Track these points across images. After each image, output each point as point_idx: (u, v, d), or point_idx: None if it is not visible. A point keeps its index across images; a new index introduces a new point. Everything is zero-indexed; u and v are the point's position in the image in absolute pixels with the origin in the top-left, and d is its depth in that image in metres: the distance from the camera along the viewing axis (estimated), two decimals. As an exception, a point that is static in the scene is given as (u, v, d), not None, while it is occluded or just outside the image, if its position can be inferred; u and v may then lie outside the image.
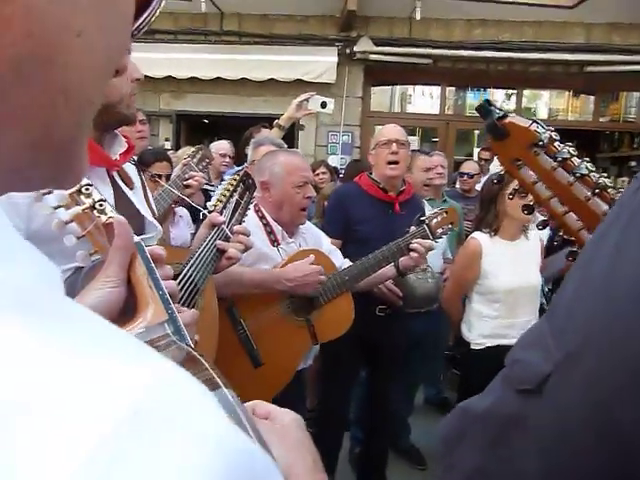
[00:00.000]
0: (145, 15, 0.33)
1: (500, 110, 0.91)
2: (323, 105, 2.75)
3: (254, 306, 1.85)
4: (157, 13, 0.35)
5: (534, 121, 0.90)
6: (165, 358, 0.21)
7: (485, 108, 0.91)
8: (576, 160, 0.87)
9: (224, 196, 1.42)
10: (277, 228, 1.95)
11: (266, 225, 1.93)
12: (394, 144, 2.37)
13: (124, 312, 0.54)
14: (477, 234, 2.33)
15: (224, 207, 1.40)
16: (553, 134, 0.88)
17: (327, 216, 2.58)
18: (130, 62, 1.07)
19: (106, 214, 0.63)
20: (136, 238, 0.57)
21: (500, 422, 0.39)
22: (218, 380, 0.37)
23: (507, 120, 0.90)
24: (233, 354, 1.80)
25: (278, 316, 1.89)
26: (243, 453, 0.19)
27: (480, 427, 0.41)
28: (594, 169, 0.87)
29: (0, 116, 0.23)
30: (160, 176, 2.37)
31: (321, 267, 1.88)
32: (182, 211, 2.68)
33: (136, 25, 0.33)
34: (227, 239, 1.32)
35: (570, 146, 0.88)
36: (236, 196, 1.43)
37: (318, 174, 3.94)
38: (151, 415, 0.17)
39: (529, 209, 0.93)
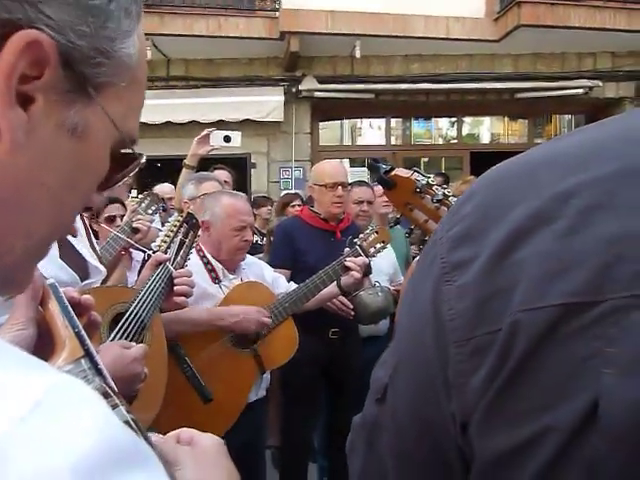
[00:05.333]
0: (116, 178, 0.38)
1: (386, 165, 1.08)
2: (227, 139, 2.69)
3: (198, 342, 1.88)
4: (130, 175, 0.40)
5: (415, 171, 1.08)
6: (62, 372, 0.28)
7: (373, 166, 1.08)
8: (452, 199, 1.04)
9: (168, 237, 1.49)
10: (217, 266, 2.00)
11: (207, 263, 1.99)
12: (339, 188, 2.48)
13: (40, 352, 0.54)
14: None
15: (168, 247, 1.46)
16: (430, 180, 1.06)
17: (274, 248, 2.66)
18: None
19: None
20: (50, 280, 0.60)
21: (368, 428, 0.46)
22: (121, 405, 0.42)
23: (392, 173, 1.08)
24: (182, 392, 1.82)
25: (223, 350, 1.93)
26: (124, 441, 0.24)
27: (359, 435, 0.48)
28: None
29: None
30: (115, 217, 2.42)
31: (263, 310, 1.94)
32: (139, 256, 2.70)
33: (107, 183, 0.37)
34: (171, 276, 1.39)
35: (444, 187, 1.06)
36: (180, 235, 1.50)
37: (294, 206, 4.05)
38: (48, 407, 0.22)
39: (424, 244, 1.08)
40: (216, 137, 2.64)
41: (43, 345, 0.57)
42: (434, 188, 1.05)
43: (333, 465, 2.73)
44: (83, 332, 0.55)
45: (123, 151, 0.37)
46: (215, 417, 1.84)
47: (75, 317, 0.57)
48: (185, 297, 1.44)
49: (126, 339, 1.25)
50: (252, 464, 2.02)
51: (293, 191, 6.38)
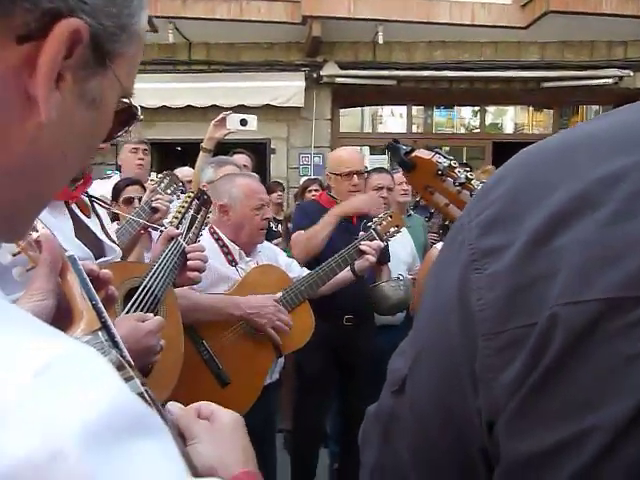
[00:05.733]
0: (116, 134, 0.41)
1: (406, 146, 1.04)
2: (243, 122, 2.68)
3: (215, 325, 1.89)
4: (126, 134, 0.43)
5: (436, 152, 1.04)
6: (76, 340, 0.28)
7: (393, 147, 1.05)
8: (475, 182, 1.00)
9: (179, 212, 1.50)
10: (234, 248, 2.01)
11: (223, 246, 1.99)
12: (355, 176, 2.47)
13: (59, 323, 0.56)
14: (439, 244, 2.43)
15: (180, 222, 1.47)
16: (452, 162, 1.02)
17: (295, 226, 2.66)
18: None
19: (37, 231, 0.67)
20: (69, 252, 0.62)
21: (384, 420, 0.45)
22: (135, 378, 0.42)
23: (413, 154, 1.04)
24: (199, 376, 1.83)
25: (240, 333, 1.93)
26: (134, 410, 0.25)
27: (374, 427, 0.47)
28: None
29: None
30: (133, 199, 2.44)
31: (282, 309, 1.93)
32: (158, 235, 2.72)
33: (107, 138, 0.40)
34: (184, 252, 1.39)
35: (467, 170, 1.02)
36: (191, 212, 1.51)
37: (311, 191, 4.04)
38: (58, 370, 0.23)
39: (445, 229, 1.05)
40: (232, 120, 2.64)
41: (61, 316, 0.58)
42: (456, 171, 1.02)
43: (344, 451, 2.74)
44: (101, 305, 0.56)
45: (122, 100, 0.39)
46: (232, 400, 1.84)
47: (93, 290, 0.58)
48: (198, 272, 1.45)
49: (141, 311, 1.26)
50: (262, 447, 2.03)
51: (314, 177, 6.40)
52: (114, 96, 0.36)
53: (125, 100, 0.39)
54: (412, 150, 1.05)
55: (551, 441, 0.33)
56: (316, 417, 2.60)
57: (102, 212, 1.36)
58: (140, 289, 1.30)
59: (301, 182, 5.46)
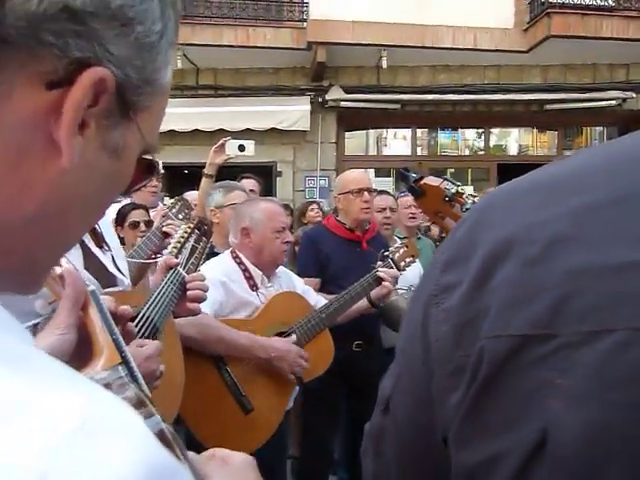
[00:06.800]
0: (136, 187, 0.42)
1: (415, 174, 1.08)
2: (241, 148, 2.73)
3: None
4: (146, 182, 0.44)
5: (444, 179, 1.08)
6: (103, 389, 0.29)
7: (402, 174, 1.09)
8: None
9: (179, 242, 1.50)
10: (256, 273, 2.01)
11: (245, 270, 2.00)
12: (365, 193, 2.50)
13: (80, 356, 0.57)
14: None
15: (179, 252, 1.47)
16: (459, 188, 1.06)
17: (301, 257, 2.66)
18: None
19: (60, 265, 0.68)
20: (90, 286, 0.63)
21: (375, 435, 0.50)
22: (156, 414, 0.42)
23: (422, 182, 1.08)
24: (223, 402, 1.84)
25: (262, 360, 1.93)
26: (162, 462, 0.25)
27: (369, 441, 0.52)
28: None
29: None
30: (139, 223, 2.45)
31: (304, 352, 1.97)
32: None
33: (127, 189, 0.41)
34: (183, 281, 1.38)
35: (473, 196, 1.05)
36: (192, 242, 1.51)
37: (313, 209, 4.09)
38: (93, 428, 0.23)
39: None
40: (231, 146, 2.70)
41: (81, 350, 0.59)
42: (464, 197, 1.05)
43: (353, 477, 2.70)
44: (121, 339, 0.56)
45: (144, 157, 0.40)
46: (255, 427, 1.85)
47: (113, 324, 0.58)
48: (198, 302, 1.44)
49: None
50: (274, 475, 2.01)
51: (312, 200, 6.43)
52: (136, 148, 0.37)
53: (147, 157, 0.40)
54: (421, 178, 1.09)
55: (478, 458, 0.37)
56: (324, 442, 2.57)
57: (114, 244, 1.36)
58: (138, 318, 1.29)
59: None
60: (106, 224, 1.38)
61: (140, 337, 1.25)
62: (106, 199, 0.38)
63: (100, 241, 1.24)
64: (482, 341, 0.37)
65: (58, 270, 0.67)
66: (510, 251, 0.38)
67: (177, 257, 1.45)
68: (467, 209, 1.02)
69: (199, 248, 1.51)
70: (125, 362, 0.54)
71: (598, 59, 6.40)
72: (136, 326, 1.28)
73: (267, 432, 1.87)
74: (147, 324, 1.28)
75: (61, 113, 0.30)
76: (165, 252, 1.48)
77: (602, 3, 5.96)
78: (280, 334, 1.98)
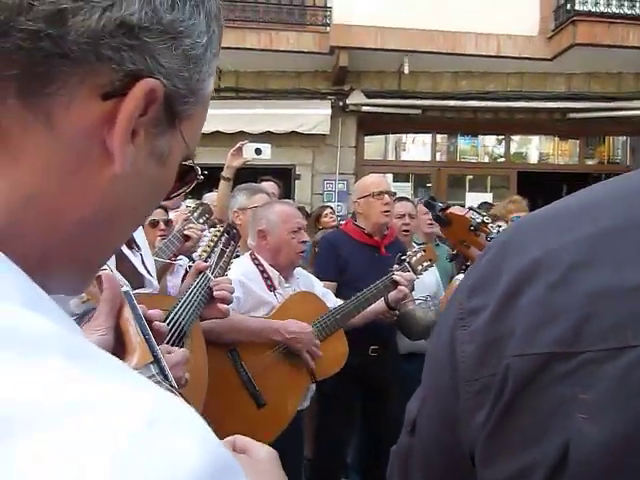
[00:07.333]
0: (176, 193, 0.44)
1: (442, 203, 1.11)
2: (258, 152, 2.77)
3: (254, 348, 1.94)
4: (188, 189, 0.45)
5: (470, 209, 1.10)
6: (158, 387, 0.30)
7: (430, 204, 1.12)
8: None
9: (209, 246, 1.53)
10: (274, 274, 2.06)
11: (263, 272, 2.04)
12: (386, 195, 2.52)
13: (113, 355, 0.59)
14: (460, 276, 2.43)
15: (208, 256, 1.50)
16: (485, 218, 1.09)
17: (320, 261, 2.68)
18: None
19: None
20: (124, 288, 0.65)
21: (402, 456, 0.52)
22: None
23: (448, 211, 1.12)
24: (237, 395, 1.89)
25: (277, 357, 1.98)
26: (221, 456, 0.26)
27: (395, 463, 0.53)
28: None
29: (55, 253, 0.34)
30: (158, 222, 2.49)
31: (317, 341, 1.99)
32: (183, 260, 2.77)
33: (168, 195, 0.42)
34: (210, 284, 1.41)
35: (499, 226, 1.08)
36: (220, 245, 1.54)
37: (327, 215, 4.11)
38: (159, 423, 0.24)
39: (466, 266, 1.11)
40: (248, 149, 2.73)
41: (115, 348, 0.61)
42: (489, 226, 1.09)
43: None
44: (153, 339, 0.58)
45: (184, 163, 0.41)
46: (267, 421, 1.90)
47: (146, 324, 0.60)
48: (224, 303, 1.46)
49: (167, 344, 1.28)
50: (289, 474, 2.02)
51: (329, 204, 6.44)
52: (179, 155, 0.38)
53: (187, 163, 0.41)
54: (447, 207, 1.12)
55: (505, 474, 0.39)
56: (338, 442, 2.57)
57: (143, 245, 1.40)
58: (167, 321, 1.32)
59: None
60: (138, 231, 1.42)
61: (168, 341, 1.28)
62: (151, 205, 0.40)
63: (131, 242, 1.28)
64: (508, 359, 0.39)
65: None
66: (534, 276, 0.40)
67: (206, 261, 1.48)
68: (492, 238, 1.05)
69: (227, 252, 1.55)
70: (156, 361, 0.57)
71: (623, 68, 6.31)
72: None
73: (279, 427, 1.91)
74: (175, 328, 1.30)
75: (115, 123, 0.32)
76: (195, 255, 1.51)
77: (629, 12, 5.88)
78: (295, 333, 2.02)
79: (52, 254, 0.34)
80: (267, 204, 2.23)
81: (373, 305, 2.18)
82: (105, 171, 0.33)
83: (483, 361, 0.41)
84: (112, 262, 1.17)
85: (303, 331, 1.96)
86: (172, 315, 1.33)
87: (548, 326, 0.38)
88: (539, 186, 6.17)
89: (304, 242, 2.12)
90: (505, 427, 0.39)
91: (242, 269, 2.00)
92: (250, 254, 2.09)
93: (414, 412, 0.50)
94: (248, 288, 1.96)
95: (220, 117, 6.20)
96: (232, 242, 1.59)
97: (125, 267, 1.23)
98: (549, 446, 0.37)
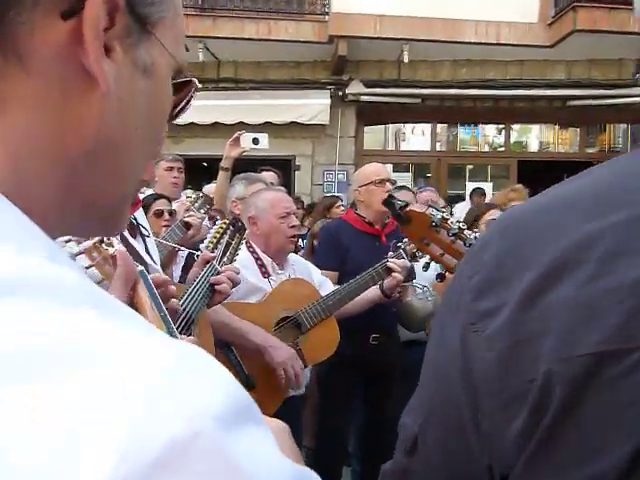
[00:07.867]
0: (178, 109, 0.43)
1: (401, 202, 1.11)
2: (255, 141, 2.76)
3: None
4: (189, 106, 0.45)
5: (429, 206, 1.11)
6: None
7: (389, 202, 1.12)
8: (467, 232, 1.06)
9: (215, 238, 1.55)
10: (267, 260, 2.07)
11: (257, 259, 2.06)
12: (387, 183, 2.52)
13: None
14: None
15: (215, 247, 1.53)
16: (444, 214, 1.09)
17: (320, 250, 2.68)
18: None
19: (113, 247, 0.73)
20: (139, 267, 0.66)
21: (399, 476, 0.48)
22: None
23: (407, 209, 1.11)
24: None
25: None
26: (245, 398, 0.28)
27: None
28: None
29: (70, 187, 0.33)
30: (162, 211, 2.52)
31: (300, 363, 1.99)
32: (184, 252, 2.79)
33: (172, 114, 0.42)
34: (217, 274, 1.44)
35: (459, 222, 1.09)
36: (226, 237, 1.57)
37: (339, 207, 4.12)
38: (185, 365, 0.26)
39: (441, 277, 1.13)
40: (246, 139, 2.73)
41: None
42: (449, 222, 1.09)
43: (365, 469, 2.72)
44: (168, 316, 0.59)
45: (179, 80, 0.40)
46: (258, 405, 1.89)
47: (161, 302, 0.62)
48: (224, 295, 1.49)
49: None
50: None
51: (330, 194, 6.44)
52: (166, 64, 0.37)
53: (183, 79, 0.40)
54: (406, 205, 1.12)
55: None
56: (338, 429, 2.59)
57: (148, 231, 1.42)
58: None
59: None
60: (140, 214, 1.43)
61: (176, 329, 1.30)
62: (154, 124, 0.38)
63: (135, 232, 1.29)
64: (548, 364, 0.35)
65: (111, 251, 0.70)
66: (563, 270, 0.37)
67: (213, 251, 1.51)
68: (453, 234, 1.06)
69: (233, 244, 1.57)
70: (172, 336, 0.58)
71: (624, 54, 6.27)
72: None
73: (268, 411, 1.91)
74: (183, 315, 1.33)
75: (83, 40, 0.31)
76: (202, 246, 1.54)
77: (630, -3, 5.83)
78: (285, 319, 2.03)
79: (65, 193, 0.33)
80: (256, 191, 2.25)
81: (369, 294, 2.18)
82: (93, 94, 0.32)
83: (509, 367, 0.37)
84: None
85: (291, 357, 1.94)
86: (180, 303, 1.36)
87: (591, 324, 0.35)
88: (540, 175, 6.16)
89: (294, 227, 2.11)
90: (558, 440, 0.35)
91: (238, 257, 2.02)
92: (246, 242, 2.10)
93: (412, 429, 0.45)
94: (242, 275, 1.97)
95: (219, 108, 6.19)
96: (237, 234, 1.61)
97: (132, 255, 1.25)
98: (616, 455, 0.33)
